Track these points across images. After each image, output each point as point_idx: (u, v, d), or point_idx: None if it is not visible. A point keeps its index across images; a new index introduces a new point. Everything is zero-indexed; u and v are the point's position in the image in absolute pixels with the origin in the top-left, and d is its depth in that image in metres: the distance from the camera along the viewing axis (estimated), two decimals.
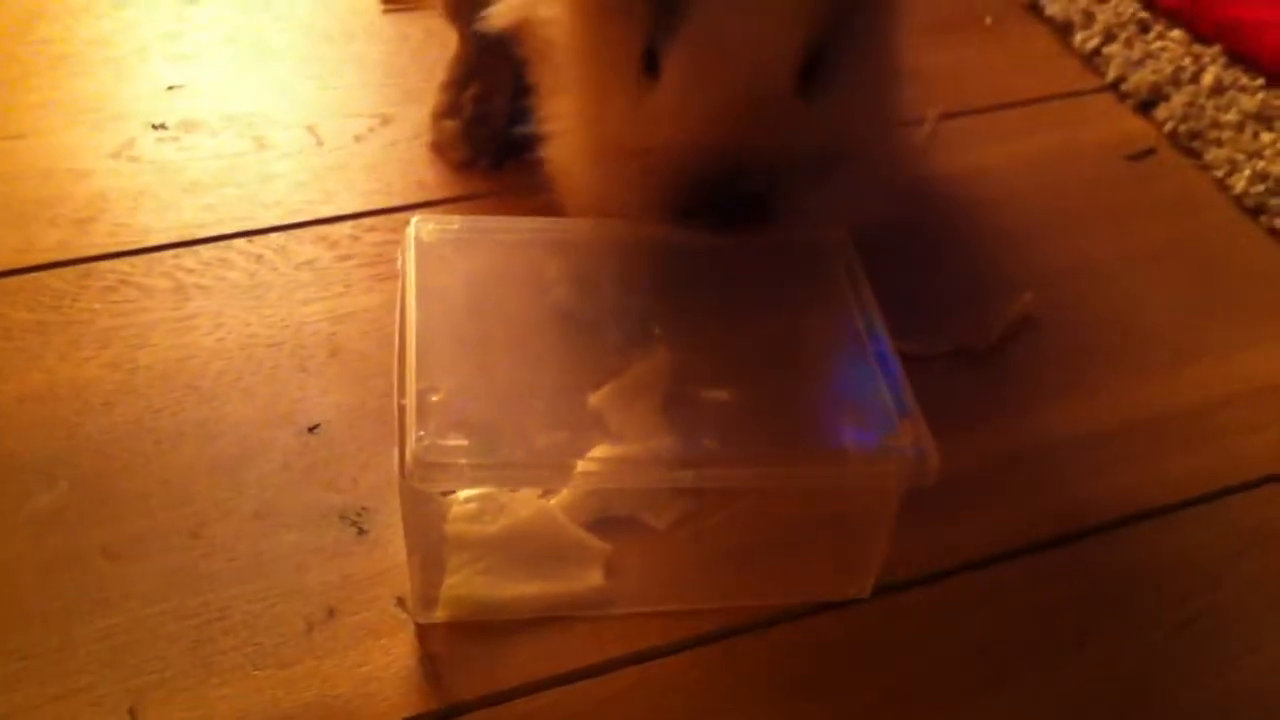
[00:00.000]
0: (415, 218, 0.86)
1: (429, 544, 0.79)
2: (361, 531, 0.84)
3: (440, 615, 0.80)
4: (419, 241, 0.84)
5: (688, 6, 0.79)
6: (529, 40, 0.96)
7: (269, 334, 0.97)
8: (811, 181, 0.82)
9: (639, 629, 0.80)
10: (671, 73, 0.80)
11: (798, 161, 0.81)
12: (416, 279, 0.82)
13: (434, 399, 0.75)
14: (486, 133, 1.13)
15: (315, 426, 0.91)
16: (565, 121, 0.89)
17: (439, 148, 1.16)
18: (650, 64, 0.82)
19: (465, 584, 0.79)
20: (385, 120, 1.18)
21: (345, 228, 1.06)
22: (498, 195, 1.11)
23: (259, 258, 1.03)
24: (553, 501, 0.82)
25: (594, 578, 0.81)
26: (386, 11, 1.33)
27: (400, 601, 0.80)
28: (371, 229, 1.07)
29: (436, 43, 1.24)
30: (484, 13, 0.96)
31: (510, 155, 1.10)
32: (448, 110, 1.16)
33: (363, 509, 0.85)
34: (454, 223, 0.87)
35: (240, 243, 1.04)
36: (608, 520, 0.82)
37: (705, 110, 0.79)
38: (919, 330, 0.96)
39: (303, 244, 1.05)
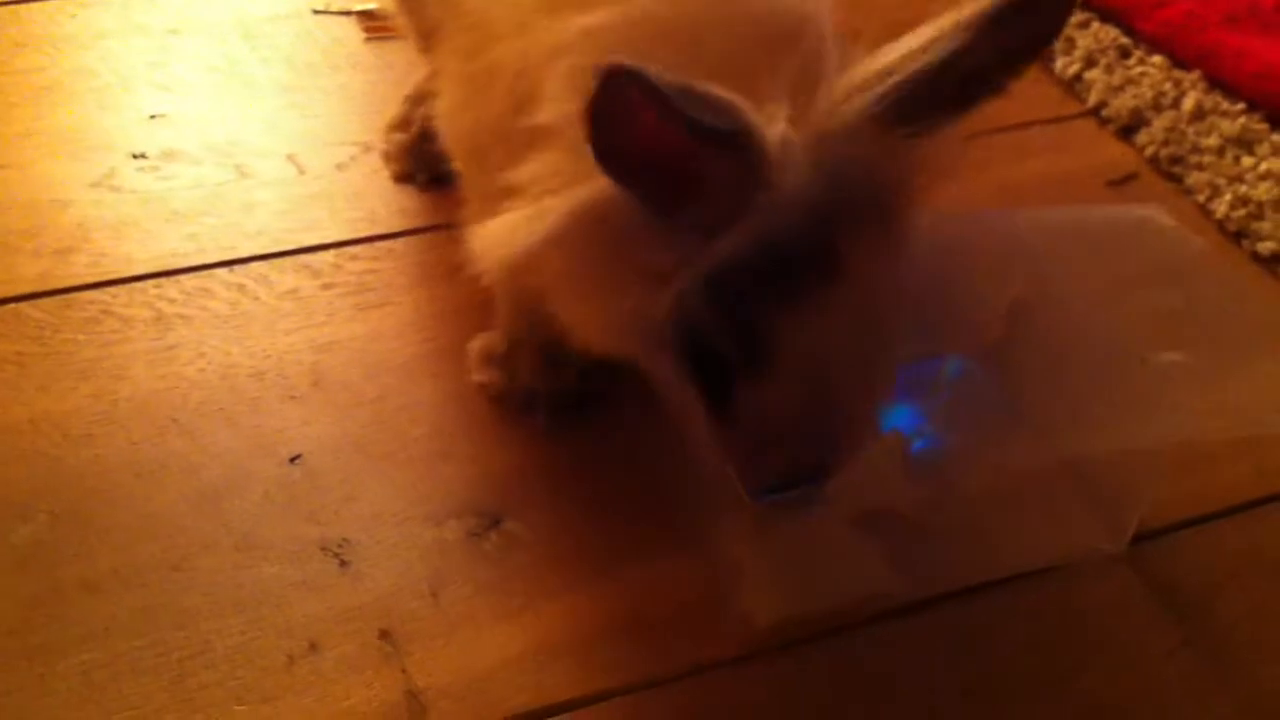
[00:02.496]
0: None
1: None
2: (343, 564, 0.84)
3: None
4: None
5: (776, 338, 0.67)
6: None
7: (251, 364, 0.96)
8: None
9: (625, 659, 0.79)
10: (766, 404, 0.69)
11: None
12: None
13: None
14: (431, 151, 1.10)
15: (297, 457, 0.90)
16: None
17: (385, 157, 1.16)
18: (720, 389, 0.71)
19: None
20: (367, 148, 1.18)
21: (328, 256, 1.06)
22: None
23: (241, 287, 1.03)
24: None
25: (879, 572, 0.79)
26: (369, 40, 1.33)
27: (384, 634, 0.80)
28: (354, 257, 1.06)
29: (420, 71, 1.24)
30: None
31: (449, 178, 1.08)
32: (400, 123, 1.17)
33: (345, 541, 0.85)
34: None
35: (222, 272, 1.04)
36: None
37: (803, 442, 0.71)
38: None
39: (285, 273, 1.04)
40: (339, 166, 1.16)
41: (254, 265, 1.05)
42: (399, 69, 1.28)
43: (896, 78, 0.65)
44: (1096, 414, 0.90)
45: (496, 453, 0.91)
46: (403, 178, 1.15)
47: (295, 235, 1.08)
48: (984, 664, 0.80)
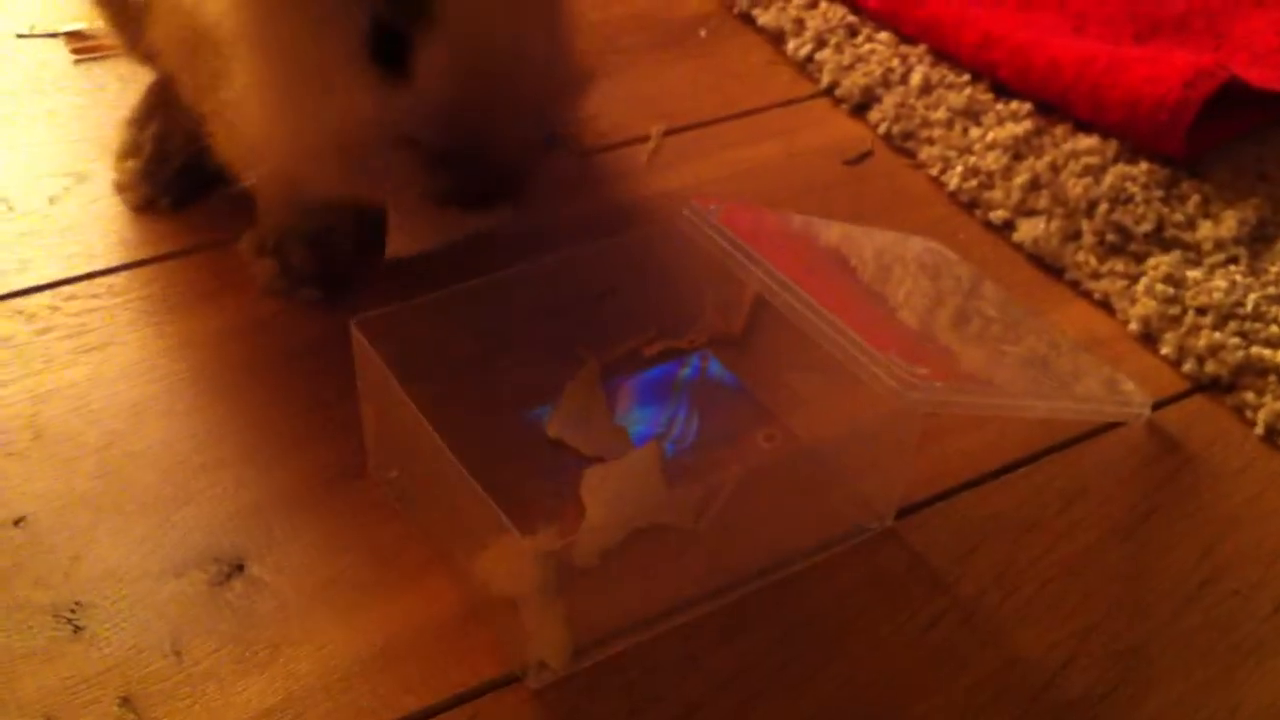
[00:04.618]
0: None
1: None
2: (77, 629, 0.78)
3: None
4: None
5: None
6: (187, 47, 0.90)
7: None
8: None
9: (383, 696, 0.76)
10: (438, 65, 0.77)
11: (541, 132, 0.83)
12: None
13: None
14: (168, 171, 1.08)
15: (20, 519, 0.84)
16: (263, 119, 0.84)
17: (120, 188, 1.10)
18: (389, 54, 0.78)
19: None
20: (81, 178, 1.12)
21: (43, 299, 1.00)
22: (210, 249, 1.05)
23: None
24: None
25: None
26: (79, 62, 1.25)
27: (125, 700, 0.75)
28: (72, 297, 1.00)
29: (134, 90, 1.17)
30: None
31: (195, 194, 1.07)
32: (130, 149, 1.11)
33: (77, 604, 0.80)
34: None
35: None
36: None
37: (478, 96, 0.78)
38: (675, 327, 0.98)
39: None
40: (51, 200, 1.09)
41: None
42: (112, 90, 1.21)
43: None
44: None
45: (235, 492, 0.87)
46: (144, 205, 1.09)
47: (5, 278, 1.01)
48: (738, 660, 0.80)
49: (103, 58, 1.25)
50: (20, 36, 1.27)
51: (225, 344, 0.97)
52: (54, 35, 1.27)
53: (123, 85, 1.21)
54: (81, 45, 1.26)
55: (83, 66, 1.25)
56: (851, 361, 0.83)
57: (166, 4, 0.91)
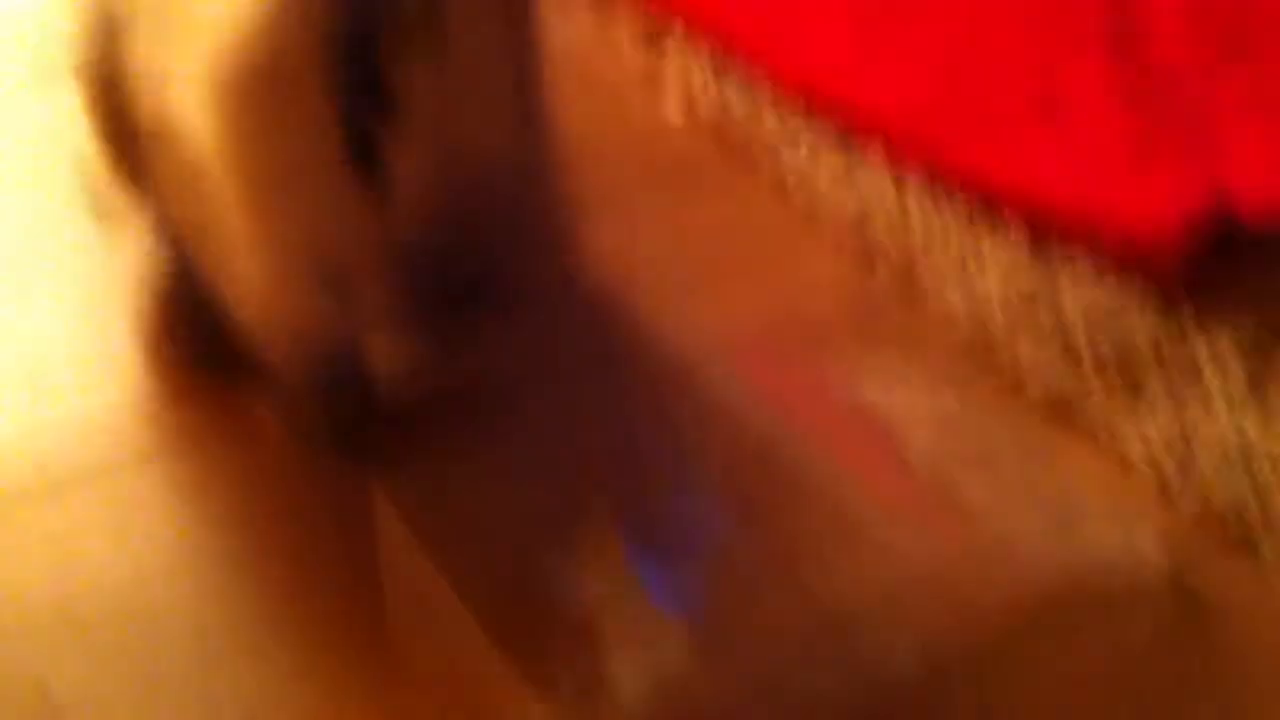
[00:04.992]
0: None
1: None
2: None
3: None
4: None
5: (403, 101, 0.79)
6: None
7: None
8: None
9: None
10: (406, 169, 0.80)
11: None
12: None
13: None
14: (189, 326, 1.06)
15: None
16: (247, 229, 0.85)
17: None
18: (365, 160, 0.80)
19: None
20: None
21: None
22: (214, 389, 1.02)
23: None
24: None
25: None
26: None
27: None
28: None
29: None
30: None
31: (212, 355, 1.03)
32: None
33: None
34: None
35: None
36: None
37: (446, 198, 0.81)
38: None
39: None
40: None
41: None
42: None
43: None
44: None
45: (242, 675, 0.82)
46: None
47: None
48: None
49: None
50: None
51: (230, 498, 0.94)
52: None
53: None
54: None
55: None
56: None
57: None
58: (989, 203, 1.27)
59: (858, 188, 1.29)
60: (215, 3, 0.83)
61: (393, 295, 0.81)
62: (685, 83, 1.46)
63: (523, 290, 0.86)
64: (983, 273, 1.19)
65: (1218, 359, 1.10)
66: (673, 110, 1.42)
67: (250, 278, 0.85)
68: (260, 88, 0.80)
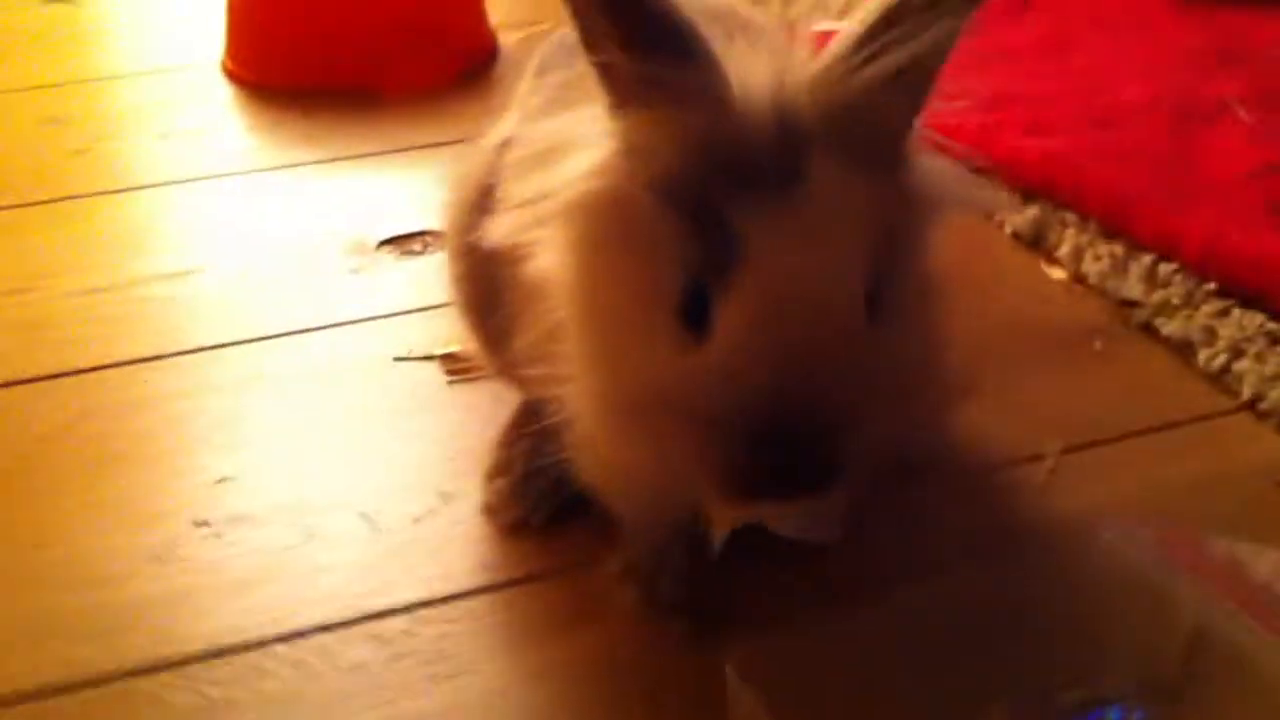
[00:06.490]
0: None
1: None
2: None
3: None
4: None
5: (745, 249, 0.70)
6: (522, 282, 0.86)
7: None
8: (874, 429, 0.72)
9: None
10: (733, 320, 0.71)
11: (866, 410, 0.71)
12: None
13: None
14: (539, 488, 1.03)
15: None
16: (581, 378, 0.79)
17: (489, 510, 1.06)
18: (695, 312, 0.72)
19: None
20: (447, 498, 1.08)
21: (399, 622, 0.95)
22: (573, 572, 0.99)
23: (299, 663, 0.91)
24: None
25: None
26: (452, 383, 1.25)
27: None
28: (429, 621, 0.95)
29: (507, 411, 1.15)
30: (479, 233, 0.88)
31: (564, 515, 1.02)
32: (498, 468, 1.08)
33: None
34: None
35: (280, 648, 0.93)
36: None
37: (776, 355, 0.70)
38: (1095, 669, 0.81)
39: (350, 644, 0.93)
40: (415, 520, 1.06)
41: (316, 637, 0.94)
42: (484, 411, 1.19)
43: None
44: None
45: None
46: (513, 525, 1.04)
47: (364, 600, 0.97)
48: None
49: (476, 379, 1.23)
50: (398, 359, 1.28)
51: (585, 677, 0.90)
52: (429, 358, 1.28)
53: (496, 406, 1.18)
54: (456, 367, 1.26)
55: (456, 388, 1.24)
56: None
57: (529, 314, 0.88)
58: None
59: None
60: (575, 148, 0.81)
61: (710, 471, 0.73)
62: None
63: (886, 472, 0.77)
64: None
65: None
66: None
67: (591, 428, 0.81)
68: (602, 220, 0.76)
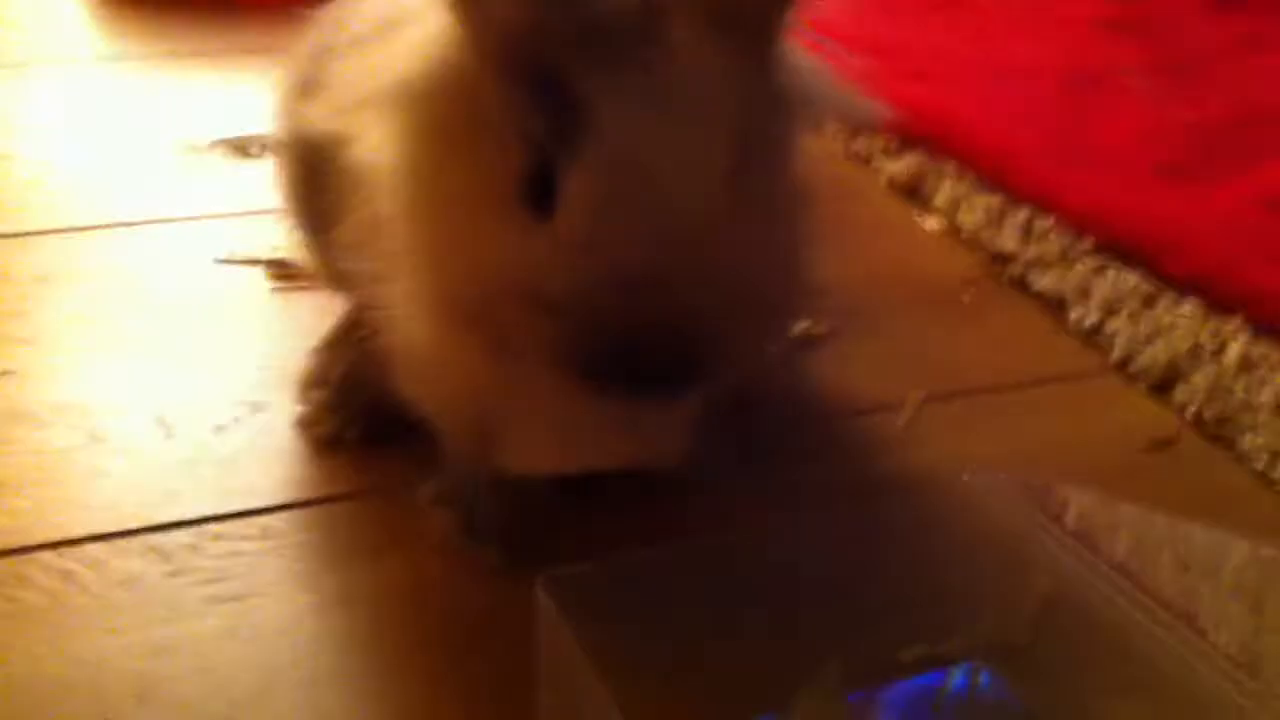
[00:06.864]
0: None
1: None
2: None
3: None
4: None
5: (593, 117, 0.63)
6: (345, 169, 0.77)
7: (58, 673, 0.74)
8: (733, 330, 0.65)
9: None
10: (580, 196, 0.63)
11: (727, 298, 0.64)
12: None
13: None
14: (356, 404, 0.94)
15: None
16: (411, 276, 0.71)
17: (302, 422, 0.96)
18: (539, 191, 0.64)
19: None
20: (256, 408, 0.98)
21: (183, 536, 0.85)
22: (382, 494, 0.90)
23: (67, 574, 0.81)
24: None
25: None
26: (276, 290, 1.15)
27: None
28: (218, 537, 0.85)
29: (329, 323, 1.05)
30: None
31: (383, 433, 0.93)
32: (315, 378, 0.98)
33: None
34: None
35: (47, 555, 0.82)
36: None
37: (627, 235, 0.63)
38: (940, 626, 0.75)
39: (125, 557, 0.83)
40: (218, 429, 0.96)
41: (87, 546, 0.83)
42: (307, 321, 1.09)
43: None
44: None
45: None
46: (330, 440, 0.95)
47: (146, 510, 0.87)
48: None
49: (303, 289, 1.13)
50: (219, 261, 1.18)
51: (384, 605, 0.81)
52: (254, 263, 1.17)
53: (321, 318, 1.07)
54: (281, 273, 1.16)
55: (280, 298, 1.14)
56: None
57: (353, 205, 0.78)
58: None
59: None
60: (406, 24, 0.74)
61: (555, 357, 0.64)
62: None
63: (733, 387, 0.69)
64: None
65: None
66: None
67: (418, 334, 0.72)
68: (433, 99, 0.68)
